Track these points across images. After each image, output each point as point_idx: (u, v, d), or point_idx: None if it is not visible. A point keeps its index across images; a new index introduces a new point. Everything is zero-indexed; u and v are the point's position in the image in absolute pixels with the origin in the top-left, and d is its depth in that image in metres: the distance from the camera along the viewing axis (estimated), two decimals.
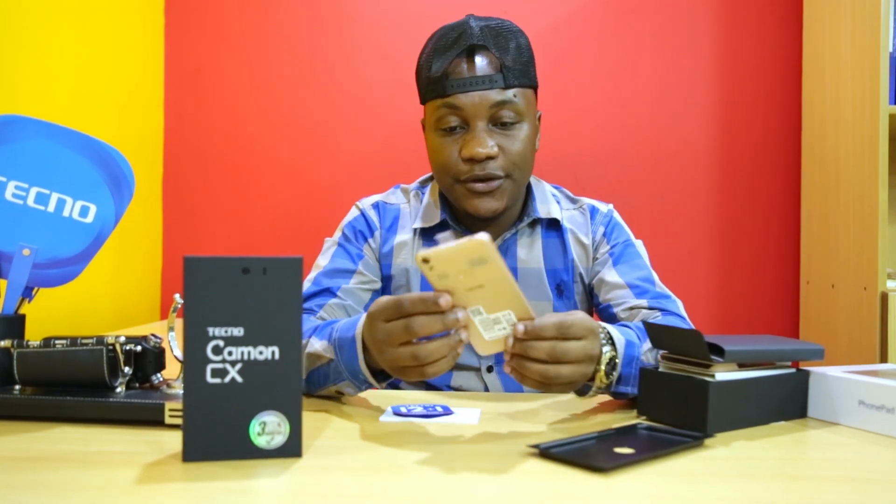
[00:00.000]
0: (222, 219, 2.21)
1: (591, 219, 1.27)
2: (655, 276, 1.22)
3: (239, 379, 0.68)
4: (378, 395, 1.02)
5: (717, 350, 0.80)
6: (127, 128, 2.00)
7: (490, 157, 1.12)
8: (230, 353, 0.67)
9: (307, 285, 1.19)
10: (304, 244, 2.18)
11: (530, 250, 1.23)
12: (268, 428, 0.68)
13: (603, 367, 0.87)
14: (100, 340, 0.85)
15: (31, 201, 0.95)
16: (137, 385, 0.89)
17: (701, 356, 0.81)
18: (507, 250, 1.22)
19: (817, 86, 2.00)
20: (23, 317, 0.95)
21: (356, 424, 0.84)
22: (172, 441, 0.75)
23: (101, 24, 1.85)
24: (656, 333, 0.87)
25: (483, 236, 0.72)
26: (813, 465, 0.71)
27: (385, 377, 0.91)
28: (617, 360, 0.89)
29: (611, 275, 1.20)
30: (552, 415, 0.91)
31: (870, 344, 1.70)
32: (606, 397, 1.02)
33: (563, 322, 0.81)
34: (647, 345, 0.94)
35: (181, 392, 0.85)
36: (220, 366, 0.67)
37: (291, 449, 0.69)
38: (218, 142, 2.21)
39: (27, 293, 0.95)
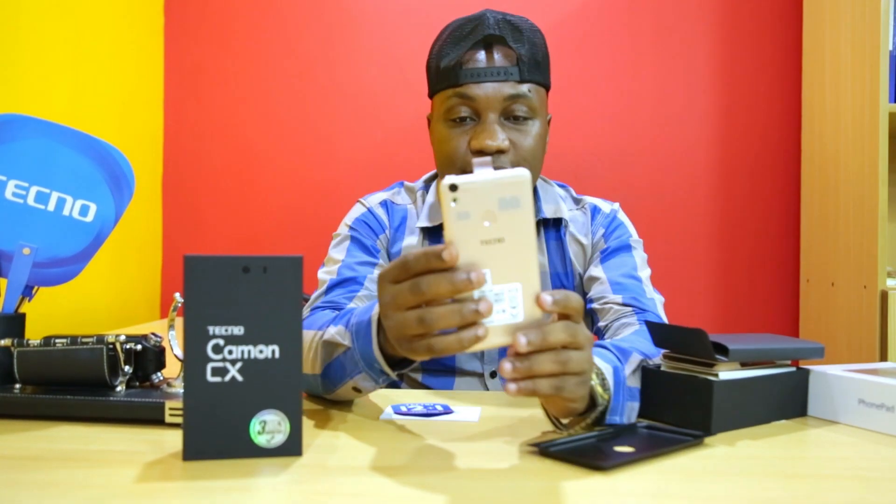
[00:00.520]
0: (222, 217, 2.21)
1: (592, 219, 1.25)
2: (644, 276, 1.18)
3: (239, 378, 0.68)
4: (378, 395, 1.02)
5: (721, 349, 0.80)
6: (127, 127, 2.00)
7: (501, 151, 1.08)
8: (230, 352, 0.67)
9: (328, 277, 1.13)
10: (304, 243, 2.18)
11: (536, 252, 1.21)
12: (268, 427, 0.68)
13: (597, 385, 0.78)
14: (100, 339, 0.85)
15: (31, 200, 0.95)
16: (138, 384, 0.89)
17: (705, 355, 0.81)
18: None
19: (817, 84, 2.00)
20: (23, 316, 0.95)
21: (356, 423, 0.84)
22: (173, 440, 0.75)
23: (101, 22, 1.85)
24: (659, 332, 0.86)
25: (526, 172, 0.64)
26: (812, 464, 0.71)
27: (401, 365, 0.83)
28: (604, 375, 0.80)
29: (597, 271, 1.19)
30: None
31: (870, 342, 1.70)
32: None
33: (570, 327, 0.69)
34: (630, 366, 0.86)
35: (181, 391, 0.85)
36: (220, 364, 0.67)
37: (292, 448, 0.69)
38: (218, 141, 2.21)
39: (27, 292, 0.95)
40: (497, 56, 1.10)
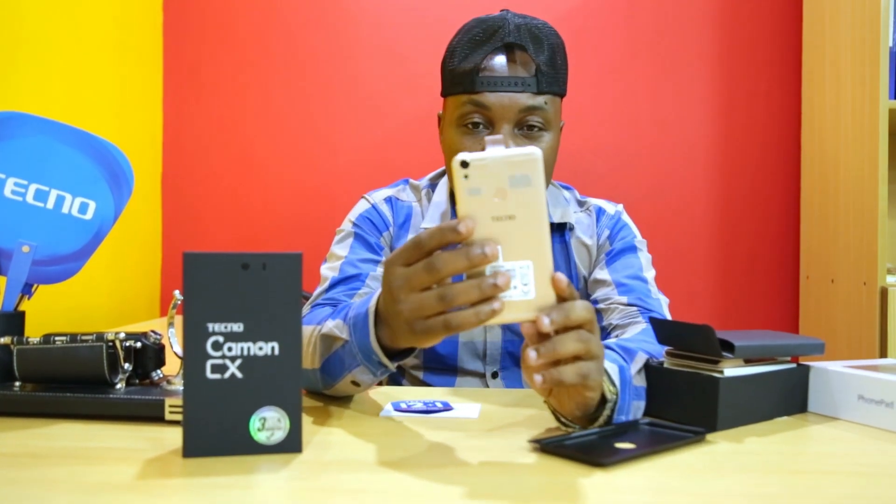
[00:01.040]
0: (221, 215, 2.21)
1: (597, 220, 1.25)
2: (649, 277, 1.18)
3: (239, 374, 0.68)
4: (378, 392, 1.02)
5: (725, 345, 0.80)
6: (126, 124, 2.00)
7: None
8: (230, 349, 0.67)
9: (331, 274, 1.13)
10: (304, 240, 2.18)
11: None
12: (268, 423, 0.68)
13: (605, 381, 0.77)
14: (100, 337, 0.85)
15: (30, 198, 0.95)
16: (137, 381, 0.89)
17: (711, 352, 0.81)
18: None
19: (817, 81, 2.00)
20: (22, 313, 0.94)
21: (356, 420, 0.84)
22: (172, 437, 0.75)
23: (100, 20, 1.85)
24: (663, 329, 0.86)
25: (537, 151, 0.65)
26: (812, 460, 0.71)
27: (399, 356, 0.83)
28: (609, 372, 0.79)
29: (602, 273, 1.18)
30: None
31: (869, 339, 1.70)
32: None
33: (588, 307, 0.70)
34: (636, 366, 0.85)
35: (181, 388, 0.85)
36: (219, 361, 0.67)
37: (291, 444, 0.69)
38: (217, 138, 2.21)
39: (27, 290, 0.95)
40: (516, 65, 1.08)
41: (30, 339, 0.85)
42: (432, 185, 1.27)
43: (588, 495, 0.59)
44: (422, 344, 0.71)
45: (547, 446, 0.71)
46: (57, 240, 0.95)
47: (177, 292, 0.85)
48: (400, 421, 0.84)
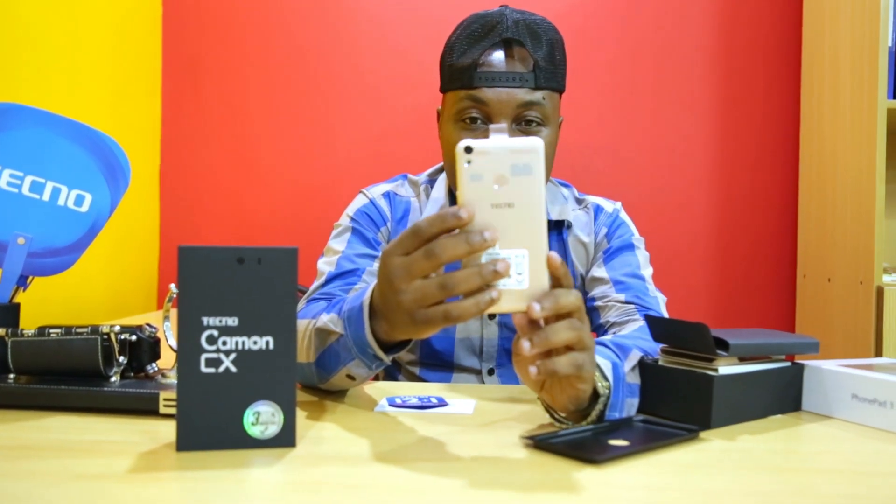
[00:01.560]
0: (219, 209, 2.21)
1: (595, 218, 1.25)
2: (646, 275, 1.18)
3: (233, 368, 0.68)
4: (373, 387, 1.02)
5: (720, 344, 0.80)
6: (124, 117, 1.99)
7: None
8: (224, 343, 0.67)
9: (327, 268, 1.13)
10: (301, 235, 2.18)
11: None
12: (262, 418, 0.68)
13: (597, 375, 0.78)
14: (95, 329, 0.85)
15: (26, 190, 0.95)
16: (132, 374, 0.89)
17: (706, 350, 0.81)
18: None
19: (816, 80, 2.00)
20: (17, 305, 0.94)
21: (351, 415, 0.84)
22: (166, 430, 0.75)
23: (99, 12, 1.85)
24: (658, 326, 0.86)
25: (539, 141, 0.65)
26: (805, 458, 0.71)
27: (394, 349, 0.83)
28: (601, 367, 0.80)
29: (600, 271, 1.19)
30: None
31: (865, 337, 1.71)
32: None
33: (578, 295, 0.70)
34: (630, 363, 0.85)
35: (176, 381, 0.85)
36: (214, 355, 0.67)
37: (285, 439, 0.69)
38: (215, 132, 2.21)
39: (22, 282, 0.95)
40: (514, 60, 1.08)
41: (24, 332, 0.85)
42: (431, 181, 1.27)
43: (581, 492, 0.59)
44: (420, 334, 0.71)
45: (540, 443, 0.71)
46: (52, 232, 0.95)
47: (172, 286, 0.85)
48: (394, 416, 0.84)
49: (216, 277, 0.67)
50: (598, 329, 1.16)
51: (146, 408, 0.80)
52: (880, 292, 1.67)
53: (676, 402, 0.83)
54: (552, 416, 0.80)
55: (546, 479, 0.62)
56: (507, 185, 0.66)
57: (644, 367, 0.87)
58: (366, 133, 2.19)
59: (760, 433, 0.79)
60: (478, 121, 1.09)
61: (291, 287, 0.69)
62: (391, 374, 1.27)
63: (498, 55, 1.08)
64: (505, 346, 1.20)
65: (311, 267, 1.19)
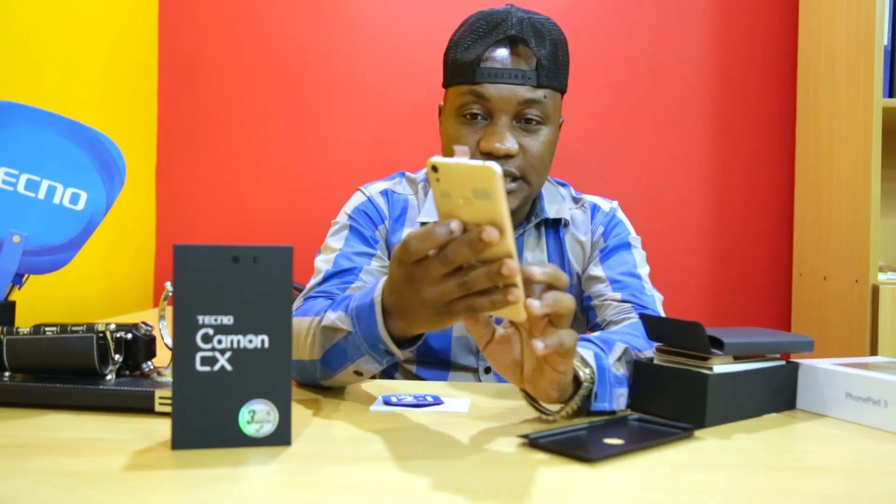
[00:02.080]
0: (216, 207, 2.21)
1: (592, 217, 1.25)
2: (643, 274, 1.19)
3: (228, 367, 0.68)
4: (369, 385, 1.02)
5: (715, 342, 0.80)
6: (120, 115, 1.99)
7: (509, 155, 1.08)
8: (220, 342, 0.67)
9: (325, 266, 1.13)
10: (298, 233, 2.18)
11: (536, 252, 1.21)
12: (257, 416, 0.68)
13: (577, 362, 0.80)
14: (90, 328, 0.85)
15: (21, 188, 0.94)
16: (128, 373, 0.89)
17: (701, 348, 0.81)
18: None
19: (812, 78, 2.00)
20: (13, 304, 0.94)
21: (346, 413, 0.84)
22: (162, 429, 0.75)
23: (95, 10, 1.84)
24: (653, 325, 0.86)
25: (495, 166, 0.64)
26: (799, 457, 0.71)
27: (408, 344, 0.84)
28: (585, 359, 0.82)
29: (596, 270, 1.19)
30: None
31: (860, 336, 1.71)
32: None
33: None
34: (614, 355, 0.86)
35: (171, 380, 0.84)
36: (209, 354, 0.67)
37: (280, 437, 0.69)
38: (212, 130, 2.20)
39: (17, 280, 0.95)
40: (517, 58, 1.08)
41: (20, 330, 0.85)
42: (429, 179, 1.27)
43: (575, 490, 0.59)
44: (443, 326, 0.76)
45: (535, 441, 0.71)
46: (48, 230, 0.95)
47: (168, 284, 0.85)
48: (390, 414, 0.84)
49: (211, 276, 0.67)
50: (595, 328, 1.16)
51: (142, 406, 0.80)
52: (875, 291, 1.67)
53: (671, 401, 0.83)
54: (536, 408, 0.81)
55: (541, 477, 0.62)
56: (472, 205, 0.67)
57: (639, 365, 0.87)
58: (363, 131, 2.19)
59: (755, 432, 0.79)
60: (479, 116, 1.10)
61: (287, 286, 0.69)
62: (388, 372, 1.27)
63: (502, 52, 1.09)
64: None
65: (307, 265, 1.19)
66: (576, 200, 1.28)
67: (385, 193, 1.24)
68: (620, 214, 1.27)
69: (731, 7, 2.15)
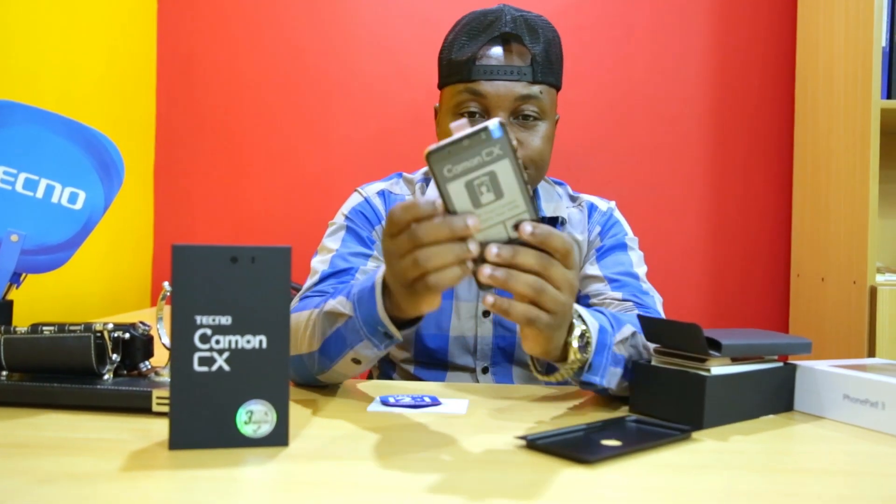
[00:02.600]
0: (214, 207, 2.20)
1: (589, 216, 1.25)
2: (640, 273, 1.19)
3: (226, 367, 0.68)
4: (367, 385, 1.02)
5: (713, 344, 0.80)
6: (118, 114, 1.99)
7: None
8: (217, 342, 0.67)
9: (321, 267, 1.13)
10: (296, 233, 2.17)
11: None
12: (255, 416, 0.68)
13: (574, 342, 0.81)
14: (88, 327, 0.85)
15: (19, 187, 0.94)
16: (125, 372, 0.89)
17: (698, 350, 0.81)
18: None
19: (810, 79, 2.00)
20: (10, 303, 0.94)
21: (343, 414, 0.84)
22: (159, 429, 0.75)
23: (93, 9, 1.84)
24: (651, 326, 0.86)
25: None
26: (797, 458, 0.71)
27: (406, 325, 0.85)
28: (589, 338, 0.83)
29: (593, 269, 1.19)
30: (540, 407, 0.91)
31: (858, 337, 1.71)
32: (594, 394, 1.02)
33: (563, 237, 0.72)
34: (621, 335, 0.88)
35: (169, 380, 0.84)
36: (207, 354, 0.67)
37: (278, 438, 0.69)
38: (210, 129, 2.20)
39: (15, 279, 0.95)
40: (512, 55, 1.10)
41: (17, 329, 0.85)
42: (426, 179, 1.27)
43: (573, 492, 0.59)
44: (419, 306, 0.75)
45: (533, 442, 0.71)
46: (46, 229, 0.95)
47: (166, 283, 0.85)
48: (387, 415, 0.84)
49: (210, 276, 0.67)
50: None
51: (139, 406, 0.80)
52: (873, 292, 1.67)
53: (669, 403, 0.83)
54: (533, 367, 0.86)
55: (538, 478, 0.62)
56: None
57: (637, 366, 0.87)
58: (361, 131, 2.18)
59: (752, 433, 0.79)
60: (476, 114, 1.11)
61: (285, 286, 0.69)
62: (386, 372, 1.28)
63: (496, 49, 1.10)
64: (499, 345, 1.20)
65: (305, 265, 1.19)
66: (573, 199, 1.29)
67: (382, 194, 1.24)
68: (618, 214, 1.27)
69: (730, 8, 2.15)
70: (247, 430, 0.68)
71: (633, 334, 0.89)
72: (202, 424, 0.67)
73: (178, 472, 0.61)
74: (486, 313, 1.20)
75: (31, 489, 0.56)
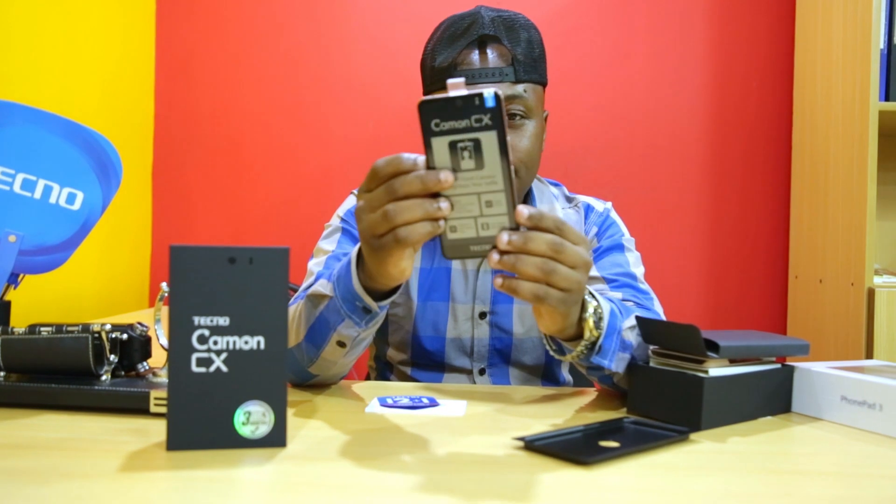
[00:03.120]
0: (212, 207, 2.20)
1: (586, 217, 1.25)
2: (638, 274, 1.19)
3: (224, 368, 0.68)
4: (364, 387, 1.02)
5: (710, 345, 0.80)
6: (116, 114, 1.99)
7: None
8: (215, 343, 0.67)
9: (317, 268, 1.14)
10: (295, 234, 2.17)
11: None
12: (252, 417, 0.68)
13: (590, 319, 0.83)
14: (85, 328, 0.85)
15: (17, 188, 0.94)
16: (123, 373, 0.89)
17: (696, 351, 0.81)
18: None
19: (808, 81, 2.00)
20: (8, 303, 0.94)
21: (341, 415, 0.84)
22: (157, 429, 0.74)
23: (92, 9, 1.84)
24: (649, 328, 0.86)
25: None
26: (794, 460, 0.71)
27: (383, 296, 0.86)
28: (601, 314, 0.85)
29: (591, 270, 1.19)
30: (538, 408, 0.91)
31: (856, 339, 1.71)
32: (592, 395, 1.02)
33: (559, 219, 0.73)
34: (629, 322, 0.90)
35: (166, 380, 0.84)
36: (205, 355, 0.67)
37: (276, 439, 0.69)
38: (209, 129, 2.20)
39: (13, 280, 0.95)
40: (492, 56, 1.10)
41: (15, 330, 0.85)
42: None
43: (571, 493, 0.59)
44: (386, 266, 0.76)
45: (531, 444, 0.71)
46: (44, 230, 0.95)
47: (164, 284, 0.85)
48: (385, 416, 0.84)
49: (207, 277, 0.67)
50: None
51: (136, 407, 0.80)
52: (871, 294, 1.67)
53: (667, 404, 0.83)
54: (547, 343, 0.89)
55: (537, 480, 0.62)
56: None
57: (635, 368, 0.87)
58: (359, 133, 2.18)
59: (750, 435, 0.79)
60: None
61: (283, 287, 0.69)
62: (383, 374, 1.28)
63: (476, 53, 1.10)
64: (496, 347, 1.20)
65: (303, 266, 1.19)
66: (569, 200, 1.29)
67: None
68: (614, 215, 1.27)
69: (729, 10, 2.15)
70: (245, 430, 0.68)
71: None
72: (200, 425, 0.67)
73: (176, 473, 0.61)
74: (482, 315, 1.20)
75: (29, 490, 0.56)
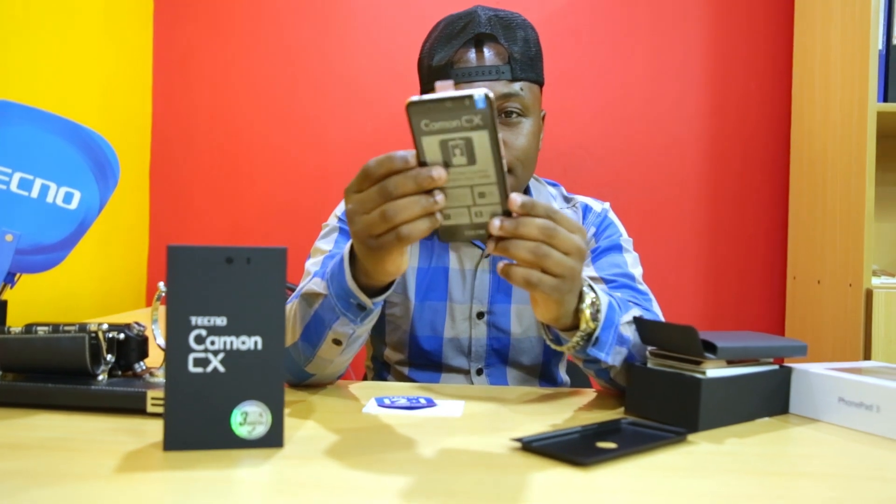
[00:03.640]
0: (210, 207, 2.20)
1: (584, 218, 1.25)
2: (636, 274, 1.19)
3: (221, 368, 0.67)
4: (362, 387, 1.02)
5: (708, 346, 0.80)
6: (114, 114, 1.98)
7: None
8: (212, 343, 0.67)
9: (314, 268, 1.13)
10: (293, 234, 2.17)
11: None
12: (249, 418, 0.68)
13: (586, 309, 0.83)
14: (82, 328, 0.84)
15: (14, 187, 0.94)
16: (120, 373, 0.89)
17: (694, 352, 0.81)
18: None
19: (807, 83, 2.00)
20: (4, 303, 0.94)
21: (338, 415, 0.84)
22: (154, 429, 0.74)
23: (89, 7, 1.84)
24: (647, 329, 0.86)
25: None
26: (791, 461, 0.71)
27: (378, 292, 0.86)
28: (599, 306, 0.85)
29: (589, 270, 1.19)
30: (536, 409, 0.91)
31: (854, 340, 1.71)
32: (590, 396, 1.02)
33: (551, 207, 0.74)
34: (627, 317, 0.91)
35: (163, 380, 0.84)
36: (202, 355, 0.67)
37: (273, 439, 0.69)
38: (206, 129, 2.20)
39: (9, 279, 0.95)
40: (488, 55, 1.10)
41: (11, 329, 0.85)
42: None
43: (568, 494, 0.59)
44: (384, 265, 0.77)
45: (528, 445, 0.71)
46: (41, 229, 0.95)
47: (161, 284, 0.85)
48: (382, 417, 0.84)
49: (205, 277, 0.67)
50: None
51: (133, 407, 0.80)
52: (869, 295, 1.68)
53: (664, 405, 0.83)
54: (545, 333, 0.89)
55: (534, 481, 0.62)
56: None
57: (633, 369, 0.87)
58: (356, 133, 2.18)
59: (748, 436, 0.79)
60: None
61: (280, 287, 0.69)
62: (380, 374, 1.27)
63: (473, 51, 1.11)
64: (493, 347, 1.20)
65: (301, 266, 1.19)
66: (567, 200, 1.29)
67: None
68: (612, 215, 1.27)
69: (727, 10, 2.15)
70: (242, 431, 0.68)
71: (637, 318, 0.91)
72: (197, 425, 0.67)
73: (173, 474, 0.61)
74: (480, 315, 1.20)
75: (25, 490, 0.56)
